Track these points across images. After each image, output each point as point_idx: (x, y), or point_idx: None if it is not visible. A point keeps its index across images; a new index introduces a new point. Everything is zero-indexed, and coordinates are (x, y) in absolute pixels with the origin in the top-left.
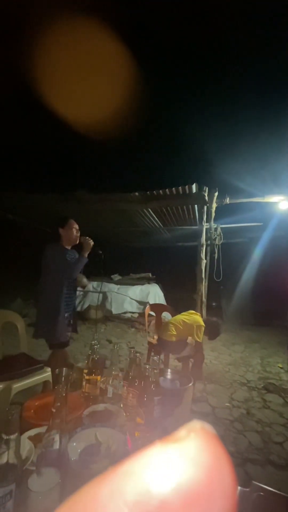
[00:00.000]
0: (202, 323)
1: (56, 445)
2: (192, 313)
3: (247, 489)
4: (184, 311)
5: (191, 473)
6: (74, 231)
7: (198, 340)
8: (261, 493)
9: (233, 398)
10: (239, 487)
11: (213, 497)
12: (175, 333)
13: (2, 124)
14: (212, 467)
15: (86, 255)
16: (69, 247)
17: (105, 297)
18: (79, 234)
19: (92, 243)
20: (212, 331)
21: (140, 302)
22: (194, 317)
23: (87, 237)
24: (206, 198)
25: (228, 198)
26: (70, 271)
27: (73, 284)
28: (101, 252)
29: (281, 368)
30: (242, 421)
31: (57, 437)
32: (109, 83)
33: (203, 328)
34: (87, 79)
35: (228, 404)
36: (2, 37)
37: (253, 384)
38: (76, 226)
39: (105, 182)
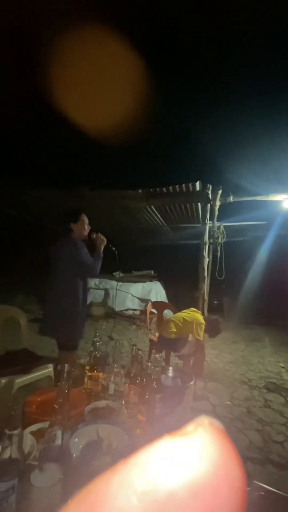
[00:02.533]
0: (203, 321)
1: (58, 441)
2: (193, 311)
3: (248, 488)
4: (186, 308)
5: (199, 466)
6: (86, 226)
7: (199, 338)
8: (262, 493)
9: (234, 397)
10: None
11: (221, 490)
12: (175, 330)
13: (7, 119)
14: (220, 461)
15: (101, 251)
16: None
17: (107, 294)
18: (89, 229)
19: (105, 239)
20: (212, 329)
21: (141, 300)
22: (195, 315)
23: (99, 233)
24: (210, 196)
25: (231, 196)
26: (95, 268)
27: (88, 281)
28: (114, 248)
29: (282, 367)
30: (242, 419)
31: (59, 433)
32: (113, 81)
33: (203, 326)
34: (91, 77)
35: (228, 403)
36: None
37: (254, 383)
38: (87, 220)
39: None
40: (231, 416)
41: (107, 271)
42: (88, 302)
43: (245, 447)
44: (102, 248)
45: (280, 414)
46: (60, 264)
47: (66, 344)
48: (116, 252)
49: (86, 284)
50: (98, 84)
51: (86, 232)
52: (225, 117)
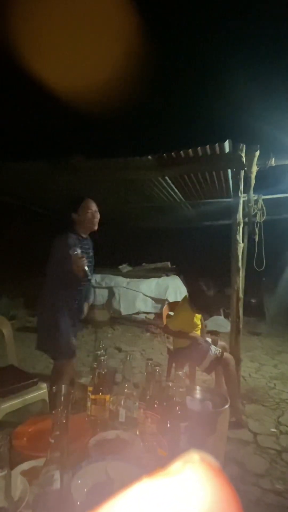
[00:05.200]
0: (188, 308)
1: (57, 484)
2: (183, 301)
3: None
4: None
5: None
6: (90, 215)
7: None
8: None
9: (281, 422)
10: None
11: None
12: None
13: None
14: (213, 504)
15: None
16: (85, 235)
17: (111, 293)
18: (99, 217)
19: (81, 264)
20: (195, 299)
21: (156, 300)
22: (184, 305)
23: (80, 257)
24: (244, 159)
25: (273, 159)
26: (63, 279)
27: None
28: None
29: None
30: None
31: (57, 474)
32: (105, 22)
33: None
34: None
35: (274, 430)
36: None
37: None
38: (94, 207)
39: (110, 145)
40: (278, 447)
41: (110, 264)
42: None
43: None
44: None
45: None
46: (47, 264)
47: (61, 350)
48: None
49: (76, 290)
50: (84, 26)
51: (93, 222)
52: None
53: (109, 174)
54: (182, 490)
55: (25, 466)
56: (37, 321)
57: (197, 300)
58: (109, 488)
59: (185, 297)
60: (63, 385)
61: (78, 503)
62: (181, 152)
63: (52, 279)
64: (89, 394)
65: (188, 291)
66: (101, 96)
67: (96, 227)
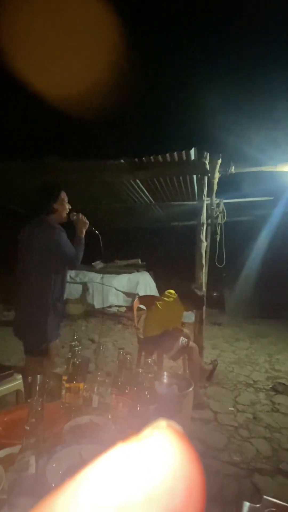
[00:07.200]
0: (181, 306)
1: (32, 469)
2: (169, 294)
3: (257, 505)
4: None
5: (155, 469)
6: (66, 206)
7: (179, 326)
8: (273, 509)
9: (238, 402)
10: (248, 503)
11: (178, 493)
12: (156, 324)
13: None
14: (178, 463)
15: (83, 235)
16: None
17: (85, 288)
18: (69, 209)
19: (87, 221)
20: (189, 299)
21: (127, 294)
22: (173, 300)
23: (80, 214)
24: (207, 166)
25: (233, 167)
26: (77, 258)
27: (67, 273)
28: (97, 232)
29: None
30: (248, 427)
31: (32, 459)
32: (81, 29)
33: (181, 311)
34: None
35: (232, 409)
36: None
37: (261, 385)
38: (67, 198)
39: (83, 147)
40: (235, 424)
41: (85, 261)
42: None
43: (252, 458)
44: (84, 232)
45: None
46: (32, 254)
47: (37, 348)
48: (100, 237)
49: (64, 277)
50: (62, 32)
51: (65, 213)
52: (224, 69)
53: (84, 176)
54: (151, 451)
55: (1, 454)
56: (18, 307)
57: (189, 299)
58: (82, 470)
59: (175, 295)
60: (38, 375)
61: (53, 485)
62: (151, 157)
63: (43, 274)
64: (64, 382)
65: (180, 292)
66: (77, 100)
67: (65, 218)
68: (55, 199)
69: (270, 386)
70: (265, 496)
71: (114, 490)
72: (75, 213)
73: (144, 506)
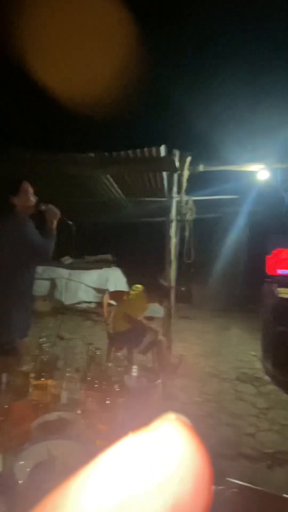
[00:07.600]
0: (144, 298)
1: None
2: (136, 288)
3: (221, 487)
4: (149, 297)
5: (164, 460)
6: (31, 197)
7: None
8: (236, 490)
9: (204, 392)
10: (212, 486)
11: (186, 482)
12: (125, 319)
13: None
14: (186, 454)
15: (54, 227)
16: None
17: (54, 285)
18: (35, 200)
19: (58, 211)
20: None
21: (97, 290)
22: (135, 292)
23: (49, 204)
24: (177, 164)
25: (202, 165)
26: (47, 250)
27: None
28: (71, 222)
29: (254, 355)
30: (213, 415)
31: None
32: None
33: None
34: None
35: (198, 399)
36: None
37: (225, 375)
38: (32, 190)
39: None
40: (201, 413)
41: (53, 256)
42: None
43: (216, 444)
44: (55, 223)
45: (252, 405)
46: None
47: (3, 347)
48: (74, 228)
49: (33, 271)
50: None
51: (31, 205)
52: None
53: (52, 168)
54: (161, 442)
55: None
56: None
57: (155, 290)
58: (51, 466)
59: (139, 289)
60: (3, 374)
61: (20, 482)
62: (121, 152)
63: (9, 267)
64: (31, 380)
65: (147, 284)
66: (51, 90)
67: (33, 210)
68: (15, 192)
69: (234, 375)
70: (227, 478)
71: (126, 479)
72: (44, 204)
73: (156, 493)
